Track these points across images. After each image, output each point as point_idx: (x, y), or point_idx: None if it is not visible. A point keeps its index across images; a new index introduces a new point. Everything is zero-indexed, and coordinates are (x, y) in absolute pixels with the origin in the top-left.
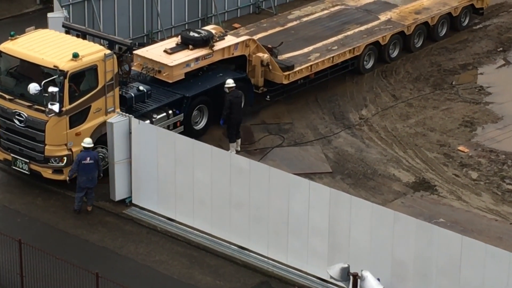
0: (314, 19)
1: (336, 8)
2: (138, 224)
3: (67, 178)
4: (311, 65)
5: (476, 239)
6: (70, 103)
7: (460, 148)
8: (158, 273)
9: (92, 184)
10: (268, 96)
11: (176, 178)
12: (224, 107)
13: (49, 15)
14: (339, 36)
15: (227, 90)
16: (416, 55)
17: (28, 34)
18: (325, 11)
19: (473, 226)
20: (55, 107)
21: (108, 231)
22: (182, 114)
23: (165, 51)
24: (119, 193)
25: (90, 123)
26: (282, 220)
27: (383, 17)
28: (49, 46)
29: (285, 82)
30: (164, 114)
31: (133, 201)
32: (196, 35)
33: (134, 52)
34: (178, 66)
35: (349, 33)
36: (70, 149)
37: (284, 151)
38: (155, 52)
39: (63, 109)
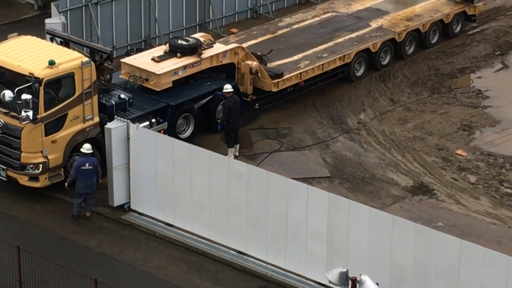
0: (305, 26)
1: (327, 15)
2: (136, 229)
3: (66, 184)
4: (300, 73)
5: (475, 242)
6: (45, 110)
7: (458, 152)
8: (157, 279)
9: (91, 190)
10: (257, 104)
11: (174, 183)
12: (223, 113)
13: (47, 21)
14: (329, 44)
15: (224, 96)
16: (414, 59)
17: (9, 41)
18: (316, 18)
19: (471, 230)
20: (29, 114)
21: (107, 237)
22: (166, 122)
23: (152, 59)
24: (118, 199)
25: (67, 131)
26: (280, 225)
27: (374, 24)
28: (28, 53)
29: (274, 90)
30: (147, 122)
31: (131, 207)
32: (184, 43)
33: (122, 60)
34: (165, 74)
35: (339, 40)
36: (46, 157)
37: (282, 155)
38: (142, 60)
39: (38, 116)
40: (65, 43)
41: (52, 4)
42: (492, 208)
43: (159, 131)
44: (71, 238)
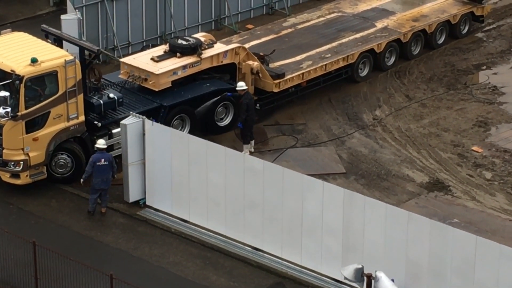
0: (309, 26)
1: (333, 15)
2: (152, 225)
3: (81, 180)
4: (302, 73)
5: (490, 239)
6: (26, 108)
7: (474, 148)
8: (172, 275)
9: (107, 185)
10: (258, 105)
11: (190, 179)
12: (241, 111)
13: (63, 17)
14: (333, 44)
15: (239, 94)
16: (430, 55)
17: (0, 37)
18: (321, 18)
19: (487, 226)
20: (8, 111)
21: (122, 233)
22: (159, 123)
23: (152, 59)
24: (133, 195)
25: (49, 129)
26: (296, 221)
27: (379, 25)
28: (14, 50)
29: (276, 90)
30: None
31: (147, 203)
32: (184, 42)
33: (121, 60)
34: (164, 74)
35: (343, 40)
36: (27, 154)
37: (298, 151)
38: (142, 60)
39: (19, 113)
40: (58, 41)
41: (68, 0)
42: (507, 205)
43: None
44: (86, 234)
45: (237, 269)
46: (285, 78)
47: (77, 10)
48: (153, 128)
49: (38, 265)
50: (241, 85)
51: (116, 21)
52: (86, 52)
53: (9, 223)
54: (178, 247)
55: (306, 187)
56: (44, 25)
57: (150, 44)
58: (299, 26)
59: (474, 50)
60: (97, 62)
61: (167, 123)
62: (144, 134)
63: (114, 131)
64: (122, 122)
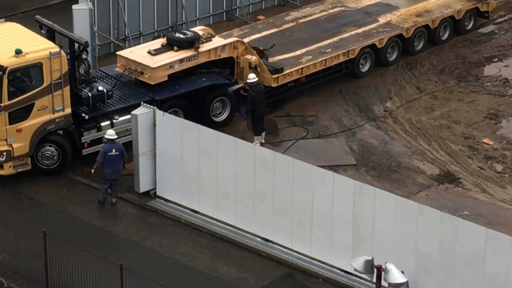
0: (311, 20)
1: (335, 9)
2: (162, 216)
3: (92, 170)
4: (302, 68)
5: (501, 231)
6: (9, 99)
7: (485, 140)
8: (182, 265)
9: (118, 175)
10: None
11: (200, 170)
12: (247, 103)
13: (74, 7)
14: (334, 39)
15: (249, 85)
16: (441, 47)
17: None
18: (324, 13)
19: (497, 219)
20: None
21: (132, 223)
22: None
23: (148, 52)
24: (144, 185)
25: (34, 121)
26: (306, 213)
27: (382, 20)
28: (2, 40)
29: (274, 85)
30: (129, 116)
31: (157, 193)
32: (181, 36)
33: (118, 53)
34: (160, 68)
35: (345, 35)
36: (10, 145)
37: (309, 143)
38: (138, 53)
39: (2, 104)
40: (51, 32)
41: None
42: None
43: None
44: (97, 224)
45: (247, 260)
46: (283, 73)
47: (88, 0)
48: (164, 118)
49: (48, 254)
50: (250, 78)
51: (128, 11)
52: (76, 45)
53: (19, 212)
54: (188, 237)
55: (317, 178)
56: (37, 16)
57: (161, 35)
58: (301, 21)
59: (486, 42)
60: (86, 54)
61: None
62: (155, 125)
63: (102, 124)
64: (133, 112)
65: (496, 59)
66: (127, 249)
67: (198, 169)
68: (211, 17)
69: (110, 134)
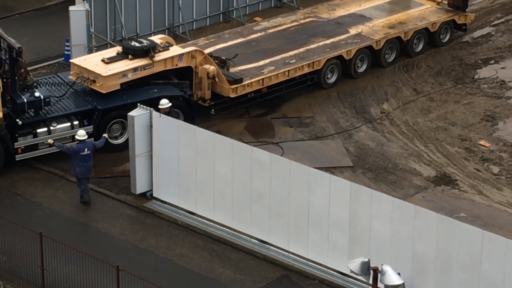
0: (280, 31)
1: (307, 20)
2: (158, 217)
3: (51, 140)
4: (262, 79)
5: (497, 233)
6: None
7: (482, 142)
8: (179, 267)
9: (89, 174)
10: (212, 110)
11: (197, 171)
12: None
13: (71, 8)
14: (301, 50)
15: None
16: (438, 49)
17: None
18: (294, 23)
19: (494, 220)
20: None
21: (129, 224)
22: (92, 126)
23: (102, 60)
24: (140, 187)
25: None
26: (302, 214)
27: (353, 31)
28: None
29: (233, 95)
30: (68, 123)
31: (154, 195)
32: (137, 44)
33: (71, 60)
34: (112, 77)
35: (312, 46)
36: None
37: (305, 144)
38: (92, 61)
39: None
40: None
41: None
42: None
43: None
44: (93, 225)
45: (243, 261)
46: (243, 83)
47: (85, 2)
48: (161, 120)
49: (45, 256)
50: (162, 104)
51: (124, 13)
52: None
53: (16, 214)
54: (184, 239)
55: (313, 180)
56: None
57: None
58: (270, 31)
59: (482, 44)
60: (21, 59)
61: (103, 126)
62: (151, 126)
63: (39, 130)
64: (130, 113)
65: (492, 61)
66: (123, 250)
67: (194, 171)
68: (208, 18)
69: (80, 134)
